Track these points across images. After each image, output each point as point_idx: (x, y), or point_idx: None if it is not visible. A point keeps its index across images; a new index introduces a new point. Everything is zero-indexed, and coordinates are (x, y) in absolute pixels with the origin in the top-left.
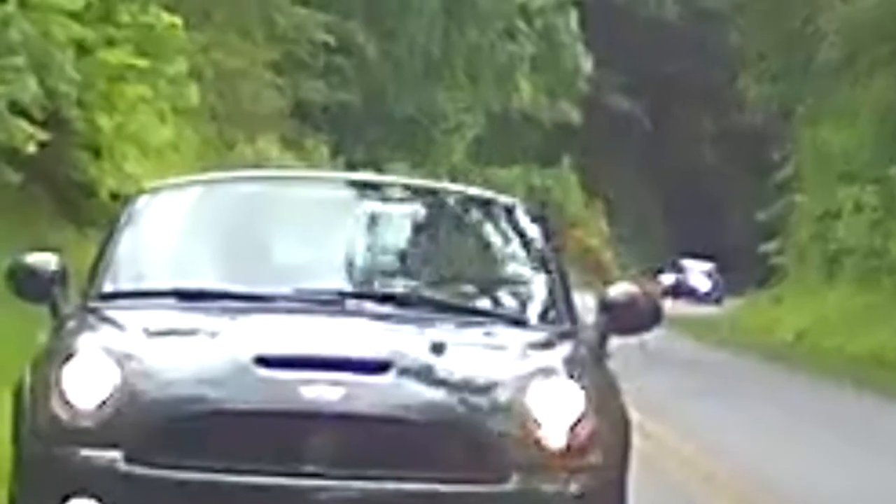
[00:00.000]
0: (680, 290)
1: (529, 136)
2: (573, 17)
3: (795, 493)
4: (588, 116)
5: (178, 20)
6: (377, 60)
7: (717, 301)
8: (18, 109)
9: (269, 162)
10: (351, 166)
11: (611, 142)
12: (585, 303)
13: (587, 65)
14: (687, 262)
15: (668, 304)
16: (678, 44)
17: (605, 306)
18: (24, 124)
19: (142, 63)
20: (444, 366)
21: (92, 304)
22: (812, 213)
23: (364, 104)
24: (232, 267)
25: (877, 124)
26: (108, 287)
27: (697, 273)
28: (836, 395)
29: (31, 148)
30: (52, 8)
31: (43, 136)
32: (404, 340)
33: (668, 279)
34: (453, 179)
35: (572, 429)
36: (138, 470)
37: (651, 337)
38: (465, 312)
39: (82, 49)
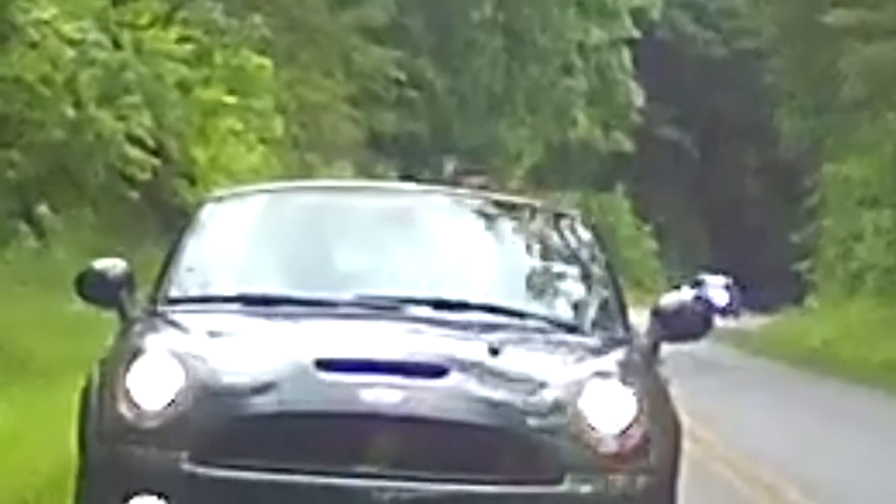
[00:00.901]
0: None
1: (585, 164)
2: (626, 55)
3: (833, 492)
4: (640, 146)
5: (266, 61)
6: (444, 94)
7: (735, 314)
8: (135, 140)
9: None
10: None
11: (661, 170)
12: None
13: (639, 99)
14: (706, 277)
15: None
16: (724, 81)
17: (658, 314)
18: (139, 153)
19: (233, 100)
20: (500, 370)
21: (159, 308)
22: (837, 235)
23: (431, 134)
24: (294, 273)
25: (894, 156)
26: (174, 292)
27: (715, 287)
28: (865, 399)
29: (145, 174)
30: (162, 53)
31: (153, 163)
32: (462, 345)
33: (686, 294)
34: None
35: (624, 432)
36: (202, 469)
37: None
38: (521, 318)
39: (182, 88)
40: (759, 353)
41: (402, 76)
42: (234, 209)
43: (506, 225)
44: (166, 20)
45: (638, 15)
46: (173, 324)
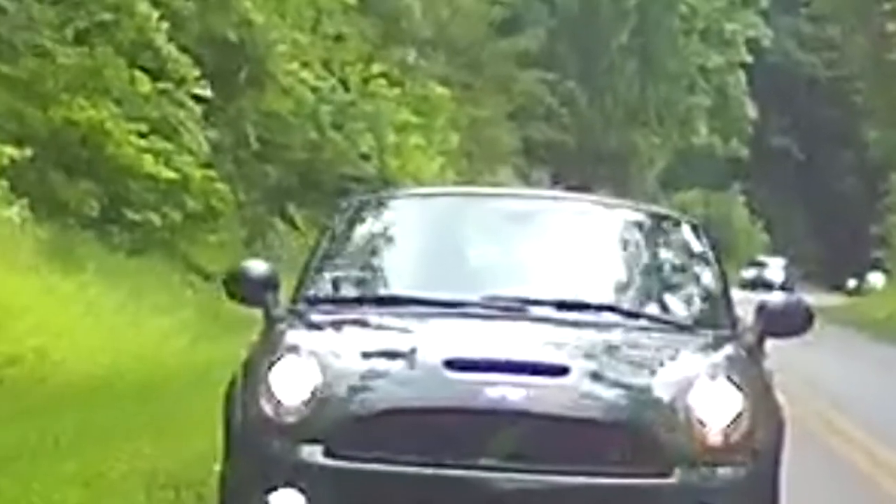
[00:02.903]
0: (757, 282)
1: (706, 167)
2: (741, 76)
3: (858, 408)
4: (753, 152)
5: (445, 91)
6: (588, 109)
7: (791, 290)
8: (361, 156)
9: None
10: (567, 190)
11: (771, 172)
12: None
13: (752, 112)
14: (765, 259)
15: (749, 295)
16: (823, 97)
17: (763, 312)
18: (365, 165)
19: (418, 121)
20: (616, 368)
21: (299, 308)
22: None
23: (577, 143)
24: (425, 275)
25: None
26: (313, 292)
27: (773, 267)
28: None
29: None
30: (379, 94)
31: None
32: (581, 344)
33: (748, 273)
34: (645, 202)
35: (731, 426)
36: (335, 463)
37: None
38: (636, 318)
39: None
40: (832, 322)
41: (552, 97)
42: (368, 214)
43: (623, 229)
44: (368, 59)
45: (751, 43)
46: (311, 324)
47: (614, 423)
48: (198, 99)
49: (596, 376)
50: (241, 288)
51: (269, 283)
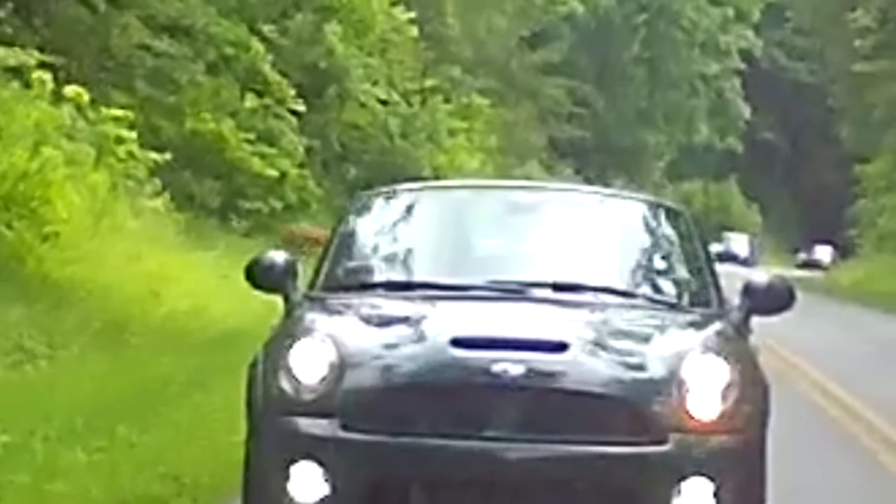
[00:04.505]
0: (724, 255)
1: (706, 160)
2: (736, 81)
3: (810, 348)
4: (747, 147)
5: (484, 100)
6: (604, 111)
7: (753, 264)
8: (420, 157)
9: (531, 178)
10: (587, 181)
11: (763, 164)
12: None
13: (746, 112)
14: (729, 234)
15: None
16: (808, 98)
17: (748, 291)
18: (423, 163)
19: (462, 124)
20: (612, 344)
21: (316, 294)
22: (869, 211)
23: (595, 139)
24: (434, 261)
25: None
26: (330, 279)
27: (739, 242)
28: (868, 313)
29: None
30: (434, 108)
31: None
32: (579, 323)
33: (717, 247)
34: (654, 191)
35: (720, 397)
36: (351, 436)
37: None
38: (630, 298)
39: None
40: (804, 290)
41: (573, 101)
42: (381, 206)
43: (617, 216)
44: (423, 75)
45: (744, 53)
46: (328, 308)
47: (611, 395)
48: (293, 113)
49: (593, 352)
50: (263, 276)
51: (289, 272)
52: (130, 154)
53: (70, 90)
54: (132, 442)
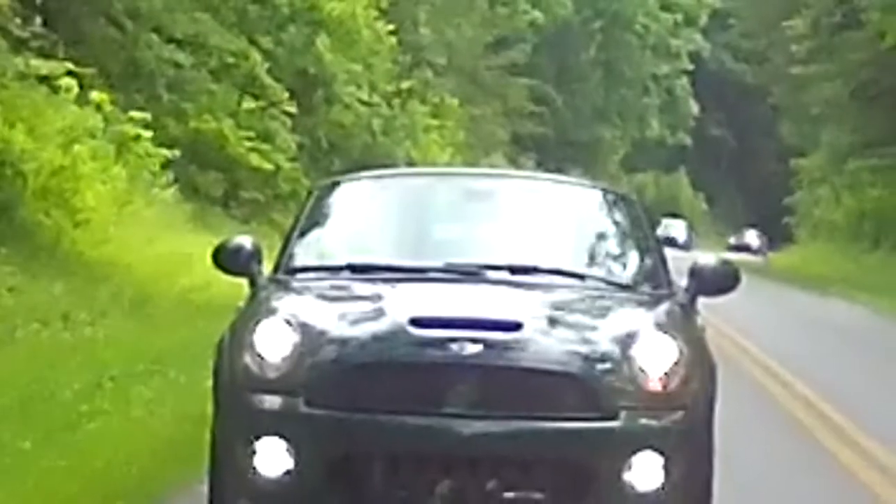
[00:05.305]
0: (662, 241)
1: (658, 154)
2: (685, 81)
3: (752, 327)
4: (695, 141)
5: (455, 100)
6: (563, 108)
7: (688, 248)
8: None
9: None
10: (548, 172)
11: (710, 157)
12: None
13: (695, 110)
14: (667, 220)
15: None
16: (753, 97)
17: (695, 273)
18: (401, 157)
19: (434, 122)
20: (565, 323)
21: (281, 276)
22: (806, 201)
23: (555, 135)
24: (393, 245)
25: (830, 155)
26: (293, 262)
27: (677, 228)
28: (801, 293)
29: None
30: (411, 110)
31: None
32: (534, 303)
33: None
34: (610, 182)
35: (669, 375)
36: (314, 412)
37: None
38: (582, 279)
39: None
40: (747, 273)
41: (534, 101)
42: (343, 192)
43: (570, 202)
44: (400, 77)
45: (693, 55)
46: (292, 290)
47: (564, 373)
48: (286, 113)
49: (547, 331)
50: (230, 260)
51: (254, 256)
52: (146, 151)
53: (95, 95)
54: (181, 382)
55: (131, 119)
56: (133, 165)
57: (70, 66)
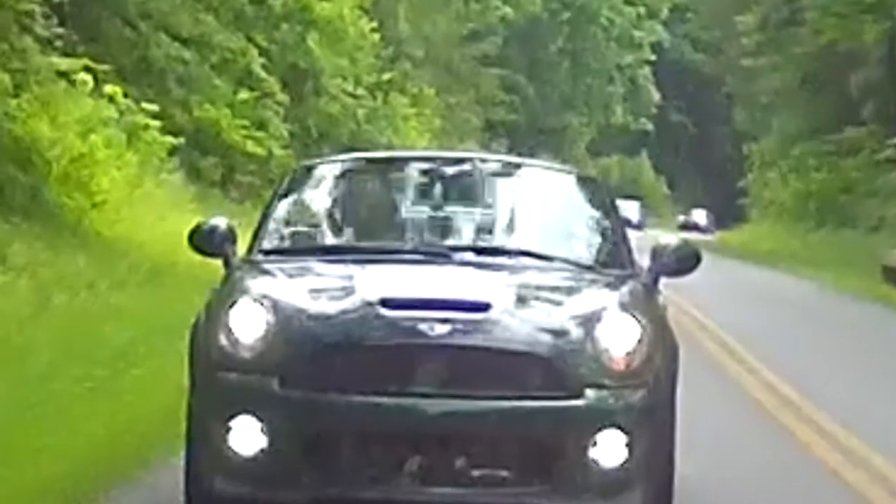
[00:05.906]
0: None
1: (622, 139)
2: (648, 70)
3: (704, 300)
4: (657, 127)
5: (432, 90)
6: (533, 97)
7: (641, 228)
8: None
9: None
10: (519, 156)
11: (671, 142)
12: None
13: (656, 97)
14: (622, 202)
15: None
16: (711, 85)
17: (657, 253)
18: (383, 143)
19: (413, 110)
20: (532, 303)
21: (254, 258)
22: (757, 183)
23: (526, 121)
24: (364, 227)
25: (785, 140)
26: (267, 244)
27: (629, 208)
28: (753, 269)
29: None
30: (393, 101)
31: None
32: (501, 284)
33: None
34: (577, 165)
35: (632, 353)
36: (288, 392)
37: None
38: (548, 260)
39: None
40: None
41: (506, 90)
42: (315, 175)
43: (537, 185)
44: (381, 71)
45: (655, 46)
46: (265, 271)
47: (530, 353)
48: (279, 104)
49: (514, 311)
50: (205, 241)
51: (229, 237)
52: (154, 139)
53: (109, 88)
54: None
55: (142, 110)
56: (143, 152)
57: (88, 62)
